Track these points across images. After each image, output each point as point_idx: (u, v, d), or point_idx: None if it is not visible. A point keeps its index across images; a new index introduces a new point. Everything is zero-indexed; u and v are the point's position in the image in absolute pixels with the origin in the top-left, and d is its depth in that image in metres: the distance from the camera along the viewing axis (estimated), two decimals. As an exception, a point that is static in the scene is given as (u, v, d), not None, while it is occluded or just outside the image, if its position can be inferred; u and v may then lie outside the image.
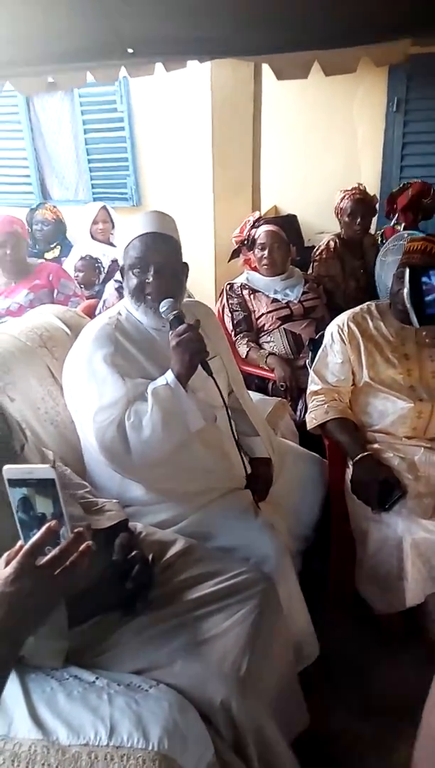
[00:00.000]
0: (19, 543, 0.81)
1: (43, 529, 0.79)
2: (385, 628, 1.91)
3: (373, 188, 3.76)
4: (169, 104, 3.75)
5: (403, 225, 3.29)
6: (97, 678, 1.15)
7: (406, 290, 0.81)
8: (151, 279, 1.62)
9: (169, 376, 1.57)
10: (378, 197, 4.06)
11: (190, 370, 1.56)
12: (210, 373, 1.57)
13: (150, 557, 1.42)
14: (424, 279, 0.70)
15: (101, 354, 1.59)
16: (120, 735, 1.03)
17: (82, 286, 3.28)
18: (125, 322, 1.68)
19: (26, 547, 0.78)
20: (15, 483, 0.79)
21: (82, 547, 0.80)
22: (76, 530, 0.80)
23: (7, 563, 0.78)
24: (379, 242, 3.33)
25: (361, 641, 1.91)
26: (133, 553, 1.38)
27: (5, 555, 0.80)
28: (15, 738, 1.04)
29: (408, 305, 0.79)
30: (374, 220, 3.28)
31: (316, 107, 4.09)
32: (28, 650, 1.14)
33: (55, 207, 4.13)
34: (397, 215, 3.34)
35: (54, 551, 0.79)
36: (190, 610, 1.33)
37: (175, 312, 1.58)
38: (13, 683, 1.12)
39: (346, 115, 4.05)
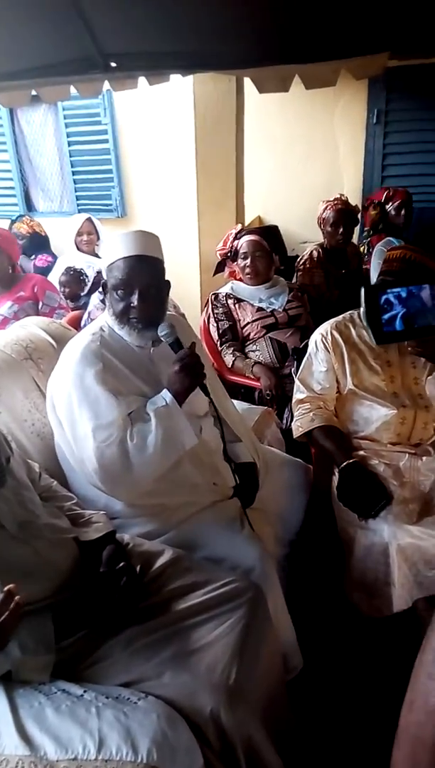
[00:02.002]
0: None
1: None
2: (373, 632, 1.91)
3: (354, 199, 3.81)
4: (152, 117, 3.79)
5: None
6: (85, 691, 1.14)
7: (362, 309, 0.82)
8: (135, 302, 1.63)
9: (167, 396, 1.61)
10: (360, 207, 4.14)
11: (189, 392, 1.63)
12: (207, 394, 1.64)
13: (137, 568, 1.42)
14: (383, 297, 0.71)
15: (91, 372, 1.59)
16: (109, 748, 1.02)
17: (67, 299, 3.28)
18: (109, 339, 1.68)
19: None
20: None
21: (12, 606, 0.79)
22: (6, 588, 0.80)
23: None
24: (364, 251, 3.37)
25: (349, 646, 1.91)
26: (121, 565, 1.38)
27: None
28: (2, 755, 1.03)
29: (364, 324, 0.81)
30: (356, 229, 3.33)
31: (297, 119, 4.14)
32: (14, 665, 1.14)
33: (32, 220, 4.15)
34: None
35: None
36: (178, 620, 1.33)
37: (174, 336, 1.64)
38: (0, 699, 1.11)
39: (327, 127, 4.11)
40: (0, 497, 1.28)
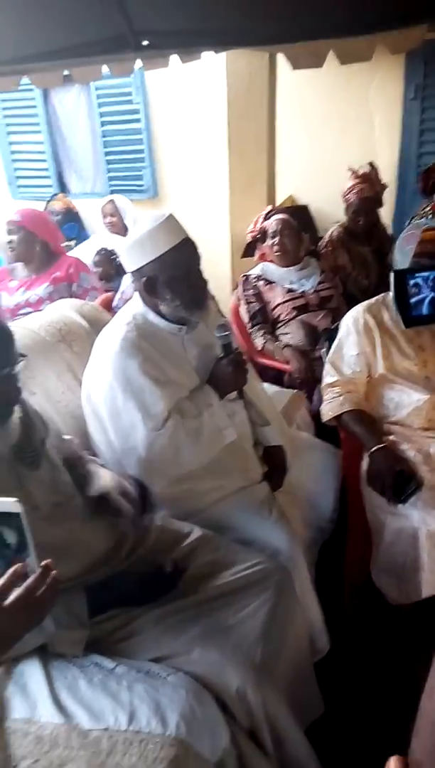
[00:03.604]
0: None
1: (9, 572, 0.81)
2: (401, 618, 1.92)
3: (390, 176, 3.72)
4: (184, 95, 3.75)
5: None
6: (117, 665, 1.19)
7: (391, 294, 0.81)
8: (198, 284, 1.68)
9: (214, 396, 1.68)
10: (396, 183, 4.03)
11: (232, 391, 1.73)
12: (243, 399, 1.78)
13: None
14: (410, 281, 0.70)
15: (134, 364, 1.60)
16: (139, 720, 1.07)
17: (102, 279, 3.30)
18: (143, 328, 1.69)
19: None
20: None
21: (48, 582, 0.82)
22: (43, 564, 0.82)
23: None
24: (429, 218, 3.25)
25: (376, 631, 1.93)
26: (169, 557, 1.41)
27: None
28: (39, 721, 1.09)
29: (394, 308, 0.80)
30: (392, 201, 3.21)
31: (331, 96, 4.03)
32: (50, 639, 1.19)
33: (65, 197, 4.18)
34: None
35: (20, 591, 0.80)
36: (207, 600, 1.37)
37: (230, 338, 1.72)
38: (36, 670, 1.17)
39: (362, 103, 3.99)
40: (35, 479, 1.32)
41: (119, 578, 1.37)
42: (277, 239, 2.75)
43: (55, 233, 2.98)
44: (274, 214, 2.81)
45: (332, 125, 4.14)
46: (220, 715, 1.17)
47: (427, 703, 0.62)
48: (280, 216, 2.78)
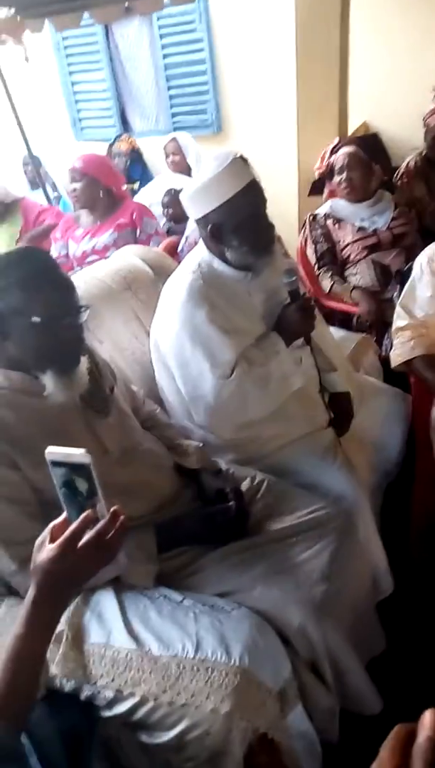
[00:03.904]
0: (64, 515, 0.88)
1: (81, 518, 0.85)
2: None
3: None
4: (250, 20, 3.53)
5: None
6: (184, 598, 1.26)
7: (410, 279, 0.75)
8: (266, 227, 1.64)
9: (281, 343, 1.66)
10: None
11: (299, 338, 1.70)
12: (310, 345, 1.74)
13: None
14: None
15: (201, 314, 1.60)
16: (205, 650, 1.14)
17: (172, 221, 3.27)
18: (209, 275, 1.67)
19: (67, 532, 0.85)
20: (56, 464, 0.86)
21: (117, 526, 0.86)
22: (112, 509, 0.86)
23: (52, 535, 0.87)
24: None
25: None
26: (228, 490, 1.46)
27: (51, 525, 0.88)
28: (113, 646, 1.18)
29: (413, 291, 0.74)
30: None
31: (408, 13, 3.67)
32: (123, 571, 1.28)
33: (130, 137, 4.11)
34: None
35: (90, 534, 0.85)
36: (270, 541, 1.41)
37: (297, 284, 1.67)
38: (110, 599, 1.26)
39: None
40: (106, 425, 1.38)
41: (184, 519, 1.43)
42: (344, 174, 2.62)
43: (117, 178, 2.96)
44: (341, 147, 2.66)
45: (412, 42, 3.79)
46: (281, 648, 1.23)
47: None
48: (348, 149, 2.63)
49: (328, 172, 2.72)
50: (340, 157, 2.65)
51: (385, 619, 1.60)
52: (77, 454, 0.83)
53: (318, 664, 1.29)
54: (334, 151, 2.70)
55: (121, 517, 0.87)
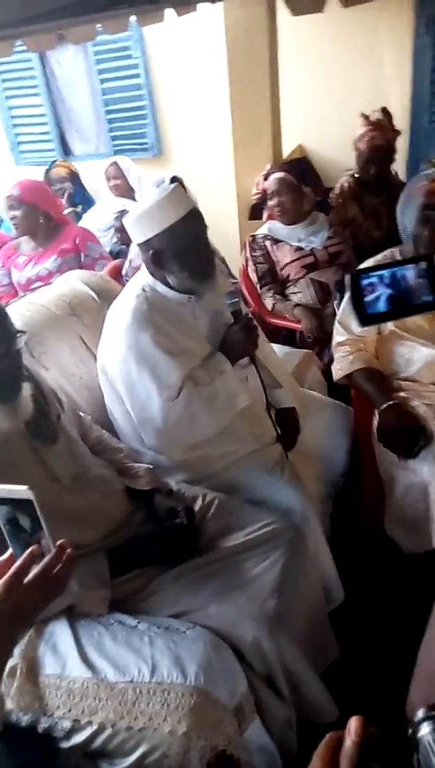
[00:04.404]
0: (9, 551, 0.89)
1: (26, 554, 0.86)
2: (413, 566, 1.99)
3: (402, 119, 3.59)
4: (183, 47, 3.62)
5: None
6: (139, 622, 1.27)
7: (347, 294, 0.81)
8: (206, 254, 1.69)
9: (226, 363, 1.70)
10: (408, 126, 3.88)
11: (243, 357, 1.75)
12: (254, 363, 1.78)
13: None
14: (365, 280, 0.70)
15: (146, 337, 1.63)
16: (160, 672, 1.15)
17: (124, 244, 3.27)
18: (153, 300, 1.70)
19: (12, 569, 0.86)
20: None
21: (64, 559, 0.88)
22: (58, 543, 0.88)
23: None
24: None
25: (390, 580, 2.00)
26: (179, 509, 1.48)
27: None
28: (69, 676, 1.18)
29: (350, 308, 0.81)
30: (405, 145, 3.08)
31: (336, 38, 3.86)
32: (75, 600, 1.28)
33: (66, 161, 4.12)
34: None
35: (37, 569, 0.86)
36: (222, 558, 1.44)
37: (239, 305, 1.72)
38: (64, 630, 1.26)
39: (370, 43, 3.81)
40: (53, 453, 1.38)
41: (137, 541, 1.44)
42: (275, 199, 2.72)
43: (56, 202, 2.97)
44: (272, 173, 2.76)
45: (339, 69, 3.99)
46: (237, 664, 1.26)
47: (424, 656, 0.67)
48: (278, 175, 2.73)
49: (264, 197, 2.81)
50: (271, 183, 2.74)
51: (338, 627, 1.65)
52: (19, 490, 0.84)
53: (273, 677, 1.32)
54: (266, 176, 2.79)
55: (68, 551, 0.88)
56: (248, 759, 1.21)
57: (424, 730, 0.49)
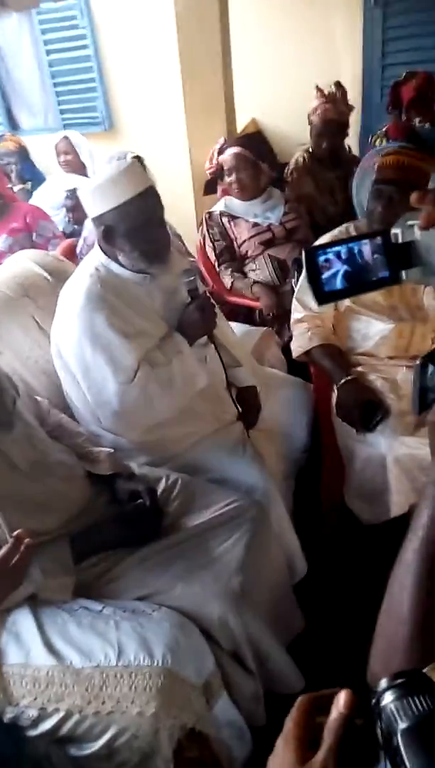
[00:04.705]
0: None
1: None
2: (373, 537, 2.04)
3: (354, 91, 3.57)
4: (131, 17, 3.50)
5: (417, 120, 3.12)
6: (104, 607, 1.26)
7: (303, 272, 0.80)
8: (158, 236, 1.64)
9: (183, 342, 1.67)
10: (360, 99, 3.87)
11: (202, 336, 1.72)
12: (213, 343, 1.75)
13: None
14: (321, 256, 0.69)
15: (100, 318, 1.59)
16: (127, 656, 1.15)
17: (76, 224, 3.17)
18: (108, 279, 1.66)
19: None
20: None
21: (21, 550, 0.86)
22: (15, 533, 0.86)
23: None
24: (382, 142, 3.16)
25: (352, 551, 2.05)
26: (141, 489, 1.47)
27: None
28: (33, 665, 1.17)
29: (308, 285, 0.80)
30: (357, 119, 3.07)
31: (288, 9, 3.80)
32: (37, 587, 1.26)
33: (15, 135, 3.98)
34: (405, 111, 3.16)
35: None
36: (187, 539, 1.44)
37: (196, 283, 1.69)
38: (27, 618, 1.24)
39: (321, 14, 3.77)
40: (11, 440, 1.35)
41: (101, 525, 1.43)
42: (233, 176, 2.68)
43: (2, 180, 2.86)
44: (227, 148, 2.72)
45: (290, 40, 3.94)
46: (204, 643, 1.27)
47: (382, 625, 0.68)
48: (234, 150, 2.69)
49: (219, 172, 2.76)
50: (227, 159, 2.70)
51: (302, 599, 1.68)
52: None
53: (240, 652, 1.34)
54: (220, 150, 2.74)
55: (26, 540, 0.86)
56: (217, 734, 1.23)
57: (387, 698, 0.50)
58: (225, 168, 2.70)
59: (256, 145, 2.83)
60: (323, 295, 0.74)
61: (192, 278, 1.68)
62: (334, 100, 2.96)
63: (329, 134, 2.97)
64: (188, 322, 1.71)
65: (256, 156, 2.70)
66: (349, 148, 3.27)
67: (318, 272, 0.77)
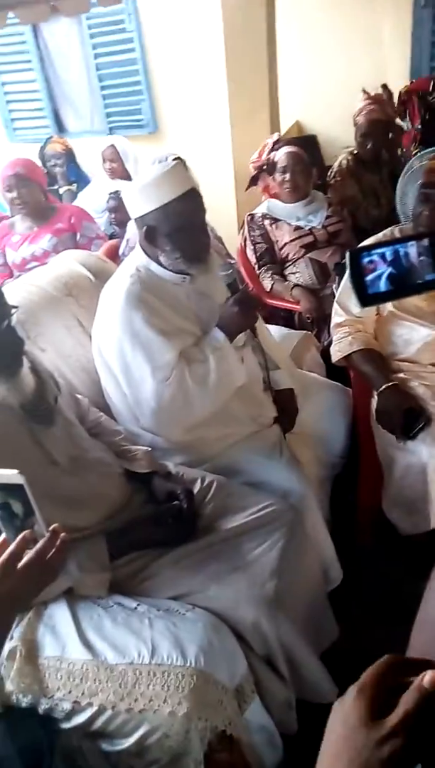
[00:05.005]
0: (2, 537, 0.88)
1: (18, 539, 0.85)
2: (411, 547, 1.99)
3: (401, 94, 3.51)
4: (179, 21, 3.53)
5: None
6: (138, 604, 1.27)
7: (347, 272, 0.78)
8: (200, 238, 1.65)
9: (221, 337, 1.66)
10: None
11: (242, 332, 1.69)
12: (255, 335, 1.72)
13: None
14: (366, 258, 0.67)
15: (139, 316, 1.60)
16: (160, 654, 1.15)
17: (118, 225, 3.22)
18: (147, 280, 1.67)
19: (5, 554, 0.85)
20: None
21: (57, 544, 0.86)
22: (51, 527, 0.87)
23: None
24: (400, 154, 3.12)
25: (388, 561, 2.01)
26: (179, 491, 1.47)
27: None
28: (69, 658, 1.18)
29: (351, 287, 0.78)
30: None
31: (335, 11, 3.77)
32: (74, 582, 1.27)
33: (62, 137, 4.05)
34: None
35: (30, 554, 0.85)
36: (221, 541, 1.44)
37: (234, 276, 1.67)
38: (64, 612, 1.26)
39: (368, 16, 3.73)
40: (51, 435, 1.37)
41: (136, 523, 1.44)
42: (287, 175, 2.65)
43: (45, 181, 2.93)
44: (283, 146, 2.70)
45: (337, 43, 3.91)
46: (237, 646, 1.26)
47: (415, 638, 0.66)
48: (291, 149, 2.66)
49: (265, 167, 2.74)
50: (283, 157, 2.67)
51: (336, 608, 1.66)
52: (10, 475, 0.82)
53: (273, 658, 1.33)
54: (275, 147, 2.71)
55: (62, 535, 0.87)
56: (248, 739, 1.22)
57: None
58: (278, 165, 2.67)
59: (310, 148, 2.80)
60: (367, 297, 0.73)
61: (229, 271, 1.67)
62: (381, 102, 2.92)
63: (374, 135, 2.93)
64: (228, 316, 1.68)
65: (309, 159, 2.68)
66: (397, 153, 3.22)
67: (362, 274, 0.75)
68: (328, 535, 1.71)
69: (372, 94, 2.97)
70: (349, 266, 0.73)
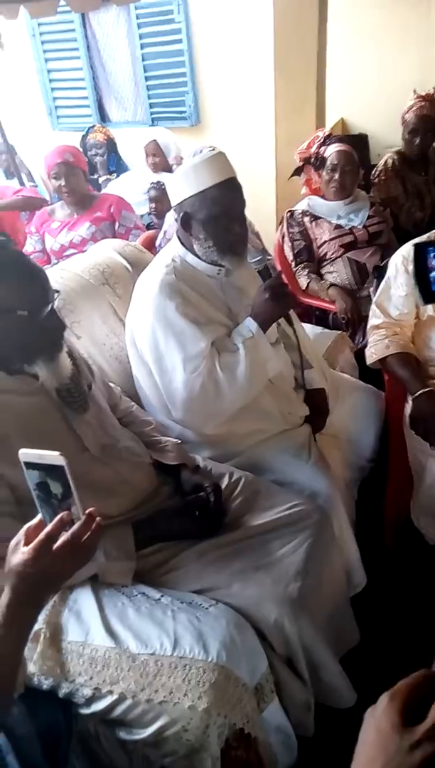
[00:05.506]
0: (38, 517, 0.88)
1: (56, 520, 0.85)
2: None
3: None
4: (229, 13, 3.51)
5: None
6: (162, 596, 1.27)
7: (411, 267, 0.75)
8: (237, 229, 1.63)
9: (253, 325, 1.64)
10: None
11: (275, 320, 1.66)
12: (291, 324, 1.68)
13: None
14: (432, 254, 0.64)
15: (172, 306, 1.60)
16: (183, 647, 1.15)
17: (156, 216, 3.22)
18: (182, 270, 1.68)
19: (42, 535, 0.84)
20: (29, 466, 0.84)
21: (93, 528, 0.86)
22: (87, 511, 0.86)
23: (27, 537, 0.86)
24: None
25: (413, 569, 1.98)
26: (207, 485, 1.47)
27: (25, 527, 0.87)
28: (91, 644, 1.19)
29: (413, 283, 0.75)
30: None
31: (388, 10, 3.70)
32: (100, 570, 1.28)
33: (104, 127, 4.07)
34: None
35: (66, 536, 0.85)
36: (247, 537, 1.43)
37: (265, 263, 1.64)
38: (88, 598, 1.26)
39: (421, 14, 3.65)
40: (83, 422, 1.38)
41: (163, 515, 1.44)
42: (337, 174, 2.62)
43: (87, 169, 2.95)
44: (334, 142, 2.66)
45: (388, 40, 3.84)
46: (258, 644, 1.25)
47: None
48: (343, 147, 2.62)
49: (314, 161, 2.69)
50: (334, 154, 2.63)
51: (359, 612, 1.64)
52: (51, 455, 0.82)
53: (294, 659, 1.32)
54: (325, 142, 2.67)
55: (97, 519, 0.87)
56: (265, 739, 1.21)
57: None
58: (328, 162, 2.63)
59: (359, 147, 2.76)
60: (431, 294, 0.71)
61: (260, 257, 1.66)
62: (431, 100, 2.86)
63: (422, 131, 2.88)
64: (260, 304, 1.65)
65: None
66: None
67: (427, 269, 0.73)
68: (354, 540, 1.69)
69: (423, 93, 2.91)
70: (414, 261, 0.71)
